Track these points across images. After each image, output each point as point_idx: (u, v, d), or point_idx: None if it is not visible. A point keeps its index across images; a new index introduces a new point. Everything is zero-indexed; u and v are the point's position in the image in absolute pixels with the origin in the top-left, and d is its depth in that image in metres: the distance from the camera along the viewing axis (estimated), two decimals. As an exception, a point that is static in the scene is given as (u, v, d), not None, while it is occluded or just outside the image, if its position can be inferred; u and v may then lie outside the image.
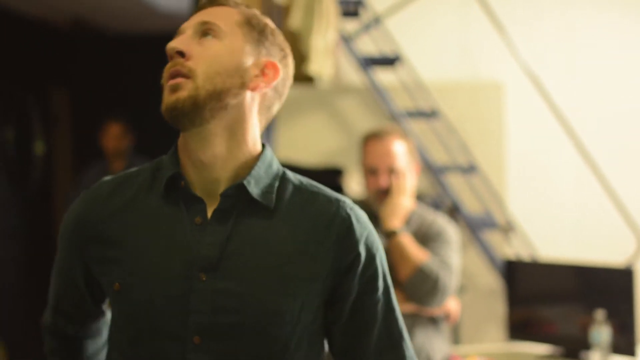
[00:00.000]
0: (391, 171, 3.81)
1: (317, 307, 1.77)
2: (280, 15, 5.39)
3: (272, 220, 1.76)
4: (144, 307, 1.73)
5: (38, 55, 8.13)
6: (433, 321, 3.81)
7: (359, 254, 1.77)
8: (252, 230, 1.74)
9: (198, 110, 1.72)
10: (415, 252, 3.71)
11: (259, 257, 1.72)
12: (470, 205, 5.56)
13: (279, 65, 1.84)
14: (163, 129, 6.90)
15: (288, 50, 1.90)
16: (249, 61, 1.79)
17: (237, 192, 1.75)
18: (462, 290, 5.04)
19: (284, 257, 1.73)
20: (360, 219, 1.81)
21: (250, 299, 1.70)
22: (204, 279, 1.70)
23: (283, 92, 1.89)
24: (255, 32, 1.83)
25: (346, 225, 1.78)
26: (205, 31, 1.77)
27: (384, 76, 5.50)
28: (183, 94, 1.71)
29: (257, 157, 1.81)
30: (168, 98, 1.73)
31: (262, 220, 1.75)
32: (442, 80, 5.68)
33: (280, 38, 1.89)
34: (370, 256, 1.80)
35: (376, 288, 1.81)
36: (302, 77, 5.60)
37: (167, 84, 1.74)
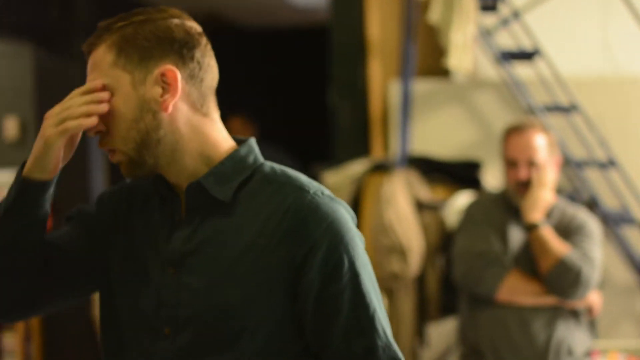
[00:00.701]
0: (531, 164, 3.83)
1: (275, 301, 1.76)
2: (419, 9, 5.43)
3: (232, 215, 1.79)
4: (130, 292, 1.85)
5: None
6: (574, 314, 3.82)
7: (315, 245, 1.74)
8: (213, 226, 1.79)
9: (143, 166, 1.79)
10: (557, 245, 3.72)
11: (215, 252, 1.78)
12: (607, 200, 5.50)
13: (175, 65, 1.81)
14: (300, 122, 6.70)
15: (177, 30, 1.83)
16: (143, 91, 1.79)
17: (197, 189, 1.80)
18: (602, 285, 5.02)
19: (236, 251, 1.76)
20: (321, 208, 1.76)
21: (201, 292, 1.76)
22: (171, 272, 1.80)
23: (204, 65, 1.85)
24: (135, 52, 1.79)
25: (300, 217, 1.76)
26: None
27: (522, 70, 5.49)
28: (124, 166, 1.80)
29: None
30: (122, 171, 1.82)
31: (223, 216, 1.79)
32: (582, 74, 5.63)
33: (160, 28, 1.81)
34: (332, 246, 1.75)
35: (340, 277, 1.75)
36: (438, 71, 5.64)
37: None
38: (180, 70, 1.81)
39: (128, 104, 1.78)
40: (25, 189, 1.80)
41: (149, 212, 1.88)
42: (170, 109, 1.79)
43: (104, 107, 1.77)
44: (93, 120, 1.77)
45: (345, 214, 1.79)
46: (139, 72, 1.79)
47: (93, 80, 1.80)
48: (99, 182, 6.60)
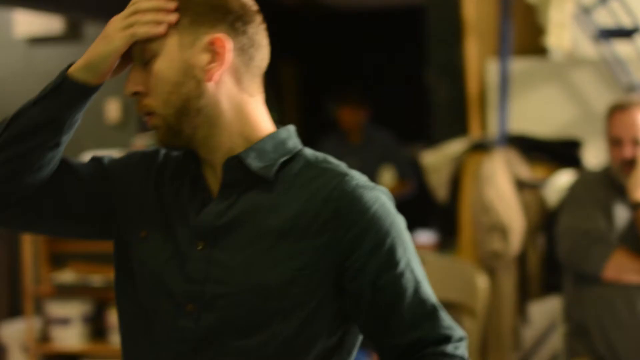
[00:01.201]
0: (636, 142, 3.81)
1: (315, 287, 1.69)
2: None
3: (273, 194, 1.71)
4: (155, 262, 1.74)
5: (270, 30, 8.61)
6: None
7: (365, 229, 1.68)
8: (251, 203, 1.71)
9: (180, 134, 1.72)
10: (663, 224, 3.70)
11: (252, 230, 1.69)
12: None
13: (227, 35, 1.73)
14: (396, 102, 6.72)
15: (233, 2, 1.75)
16: (189, 56, 1.71)
17: (236, 164, 1.72)
18: None
19: (275, 231, 1.68)
20: (366, 193, 1.70)
21: (235, 270, 1.68)
22: (199, 247, 1.71)
23: (255, 43, 1.78)
24: (186, 16, 1.71)
25: (347, 200, 1.69)
26: (144, 53, 1.71)
27: (621, 48, 5.43)
28: (161, 131, 1.73)
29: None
30: (155, 137, 1.75)
31: (261, 193, 1.71)
32: (683, 51, 5.55)
33: (216, 4, 1.72)
34: (384, 231, 1.69)
35: (395, 262, 1.70)
36: (536, 49, 5.61)
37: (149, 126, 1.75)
38: (231, 42, 1.73)
39: (172, 66, 1.70)
40: (65, 86, 1.72)
41: (179, 184, 1.80)
42: (215, 78, 1.71)
43: (173, 18, 1.69)
44: (162, 29, 1.69)
45: (388, 201, 1.74)
46: (187, 35, 1.71)
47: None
48: None
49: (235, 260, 1.69)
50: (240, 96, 1.75)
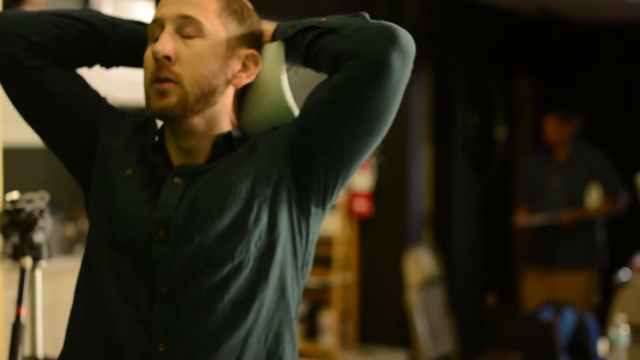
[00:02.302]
0: None
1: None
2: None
3: (238, 157, 1.86)
4: (137, 197, 1.85)
5: (506, 44, 8.25)
6: None
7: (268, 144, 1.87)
8: (226, 163, 1.85)
9: (187, 113, 1.81)
10: None
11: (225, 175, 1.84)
12: None
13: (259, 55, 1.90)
14: (615, 118, 8.73)
15: (261, 27, 1.93)
16: (231, 57, 1.85)
17: (225, 141, 1.88)
18: None
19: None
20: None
21: (204, 200, 1.81)
22: (177, 181, 1.84)
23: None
24: (235, 20, 1.87)
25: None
26: (186, 30, 1.82)
27: None
28: (172, 99, 1.79)
29: None
30: (157, 102, 1.81)
31: (232, 158, 1.86)
32: None
33: (256, 17, 1.92)
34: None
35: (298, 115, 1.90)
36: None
37: (154, 86, 1.80)
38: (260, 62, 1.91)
39: (215, 57, 1.83)
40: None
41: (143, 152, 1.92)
42: (239, 85, 1.88)
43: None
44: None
45: None
46: (234, 39, 1.85)
47: (185, 7, 1.83)
48: (418, 175, 6.57)
49: (208, 194, 1.81)
50: (233, 102, 1.91)
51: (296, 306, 1.91)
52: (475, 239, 7.73)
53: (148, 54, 1.84)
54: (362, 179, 6.61)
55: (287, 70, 1.95)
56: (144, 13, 6.45)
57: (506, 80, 8.56)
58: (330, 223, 6.58)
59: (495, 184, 7.82)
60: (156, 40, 1.82)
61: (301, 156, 1.84)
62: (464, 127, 7.62)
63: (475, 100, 7.81)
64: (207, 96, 1.82)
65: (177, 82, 1.79)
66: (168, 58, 1.79)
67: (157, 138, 1.92)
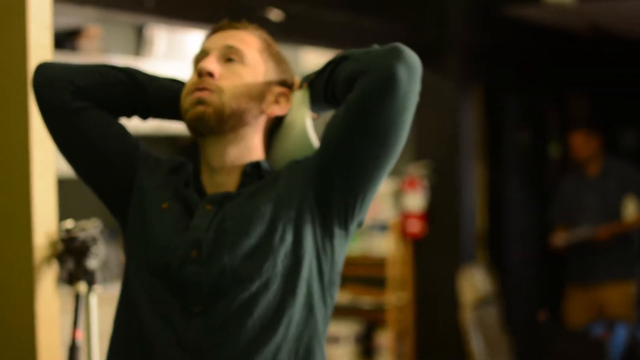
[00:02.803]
0: None
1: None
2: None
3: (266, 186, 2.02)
4: (172, 228, 1.99)
5: (557, 61, 8.28)
6: None
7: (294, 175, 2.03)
8: (253, 190, 2.01)
9: (220, 124, 1.98)
10: None
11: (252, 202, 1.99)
12: None
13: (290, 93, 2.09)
14: None
15: (292, 76, 2.13)
16: (267, 89, 2.04)
17: (252, 168, 2.04)
18: None
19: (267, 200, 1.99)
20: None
21: (233, 226, 1.96)
22: (208, 208, 1.99)
23: None
24: (273, 60, 2.08)
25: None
26: (230, 56, 2.01)
27: None
28: (209, 109, 1.96)
29: None
30: (194, 109, 1.97)
31: (260, 185, 2.02)
32: None
33: (289, 67, 2.13)
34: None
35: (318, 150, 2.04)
36: None
37: (193, 95, 1.98)
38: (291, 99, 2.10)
39: (252, 81, 2.02)
40: None
41: (185, 180, 2.09)
42: (271, 115, 2.07)
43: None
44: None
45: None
46: (270, 75, 2.06)
47: (229, 40, 2.04)
48: (470, 194, 6.68)
49: (235, 216, 1.96)
50: (264, 136, 2.09)
51: (324, 324, 2.02)
52: (530, 257, 7.72)
53: (190, 78, 2.04)
54: (414, 199, 6.66)
55: (314, 118, 2.11)
56: (196, 45, 6.59)
57: (559, 97, 8.59)
58: (384, 244, 6.65)
59: (549, 201, 7.81)
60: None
61: (322, 179, 1.98)
62: (517, 145, 7.65)
63: (527, 118, 7.86)
64: (242, 113, 2.00)
65: (215, 92, 1.97)
66: (211, 75, 1.98)
67: (192, 171, 2.09)
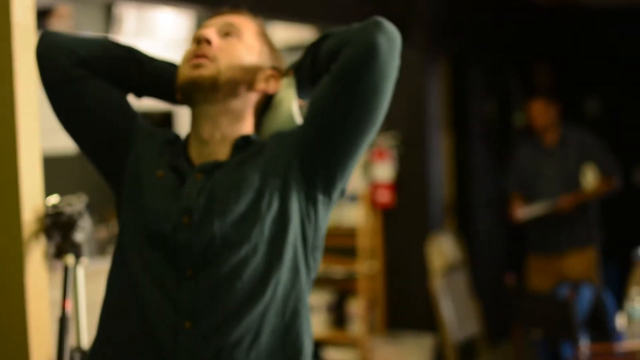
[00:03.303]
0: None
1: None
2: None
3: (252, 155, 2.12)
4: (165, 195, 2.10)
5: (522, 31, 8.48)
6: None
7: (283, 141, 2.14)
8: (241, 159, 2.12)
9: (213, 91, 2.08)
10: None
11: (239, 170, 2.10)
12: None
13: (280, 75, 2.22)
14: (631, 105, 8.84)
15: (282, 65, 2.25)
16: (259, 68, 2.17)
17: (242, 141, 2.14)
18: None
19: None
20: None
21: (222, 189, 2.07)
22: (198, 177, 2.10)
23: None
24: (267, 44, 2.22)
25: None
26: (228, 31, 2.14)
27: None
28: (205, 72, 2.07)
29: None
30: (190, 72, 2.08)
31: (248, 155, 2.12)
32: None
33: (280, 55, 2.26)
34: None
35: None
36: None
37: (191, 61, 2.09)
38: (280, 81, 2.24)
39: (249, 57, 2.15)
40: None
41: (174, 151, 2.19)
42: (260, 92, 2.18)
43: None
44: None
45: None
46: (264, 57, 2.20)
47: (227, 18, 2.17)
48: (437, 164, 6.81)
49: (225, 184, 2.06)
50: (254, 112, 2.21)
51: (308, 286, 2.14)
52: (497, 224, 7.84)
53: (190, 46, 2.15)
54: (383, 170, 6.78)
55: (300, 105, 2.25)
56: (165, 24, 6.66)
57: (524, 67, 8.68)
58: (354, 214, 6.78)
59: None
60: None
61: (306, 148, 2.09)
62: (482, 115, 7.76)
63: (492, 88, 7.95)
64: (235, 83, 2.11)
65: (213, 60, 2.09)
66: (209, 42, 2.11)
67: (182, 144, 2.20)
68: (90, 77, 2.16)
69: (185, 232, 2.02)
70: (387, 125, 6.84)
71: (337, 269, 6.84)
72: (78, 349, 2.99)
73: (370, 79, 2.02)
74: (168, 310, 1.99)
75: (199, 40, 2.11)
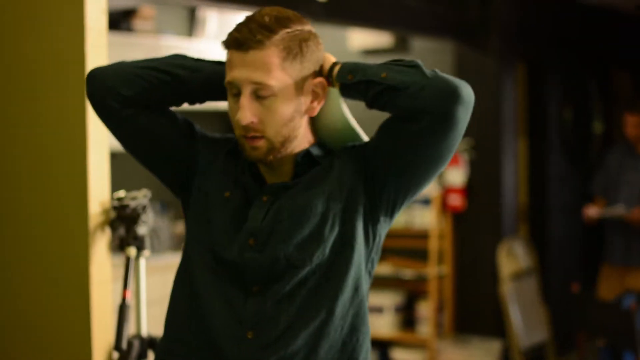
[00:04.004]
0: None
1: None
2: None
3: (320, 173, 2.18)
4: (231, 214, 2.18)
5: (601, 39, 8.36)
6: None
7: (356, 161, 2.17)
8: (309, 179, 2.17)
9: (274, 153, 2.13)
10: None
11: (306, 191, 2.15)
12: None
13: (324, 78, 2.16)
14: None
15: (322, 54, 2.17)
16: (301, 95, 2.11)
17: (304, 155, 2.18)
18: None
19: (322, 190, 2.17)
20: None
21: (288, 213, 2.13)
22: (264, 199, 2.16)
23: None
24: (297, 61, 2.09)
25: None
26: (260, 93, 2.06)
27: None
28: (262, 151, 2.11)
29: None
30: (251, 153, 2.12)
31: (315, 174, 2.17)
32: None
33: (315, 44, 2.14)
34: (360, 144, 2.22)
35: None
36: None
37: (247, 142, 2.10)
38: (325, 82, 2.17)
39: (289, 107, 2.09)
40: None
41: (244, 169, 2.24)
42: (314, 112, 2.17)
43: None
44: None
45: None
46: (300, 80, 2.10)
47: (254, 74, 2.06)
48: (511, 169, 6.91)
49: (290, 208, 2.12)
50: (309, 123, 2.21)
51: (366, 300, 2.21)
52: (572, 231, 7.84)
53: (234, 111, 2.11)
54: (455, 174, 6.85)
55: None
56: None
57: (603, 74, 8.61)
58: (426, 217, 6.86)
59: (591, 177, 7.92)
60: (236, 94, 2.09)
61: (374, 178, 2.15)
62: (560, 121, 7.75)
63: (570, 94, 7.93)
64: (289, 137, 2.12)
65: (262, 137, 2.09)
66: (252, 124, 2.08)
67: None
68: (140, 113, 2.22)
69: (250, 253, 2.11)
70: (461, 131, 6.88)
71: (407, 271, 6.91)
72: (138, 336, 3.14)
73: (447, 143, 2.06)
74: (232, 321, 2.10)
75: (241, 126, 2.09)
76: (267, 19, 2.05)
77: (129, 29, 6.23)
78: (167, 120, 2.26)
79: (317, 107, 2.15)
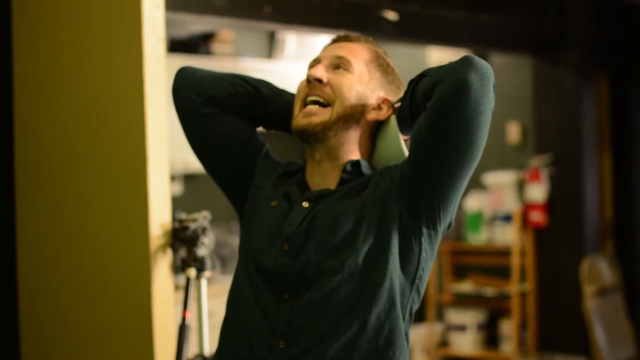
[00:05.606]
0: None
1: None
2: None
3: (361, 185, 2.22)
4: (276, 222, 2.23)
5: None
6: None
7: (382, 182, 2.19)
8: (349, 189, 2.22)
9: (325, 132, 2.21)
10: None
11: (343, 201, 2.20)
12: None
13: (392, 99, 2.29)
14: None
15: (399, 87, 2.34)
16: (370, 95, 2.25)
17: (353, 168, 2.25)
18: None
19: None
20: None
21: (323, 218, 2.17)
22: (305, 205, 2.22)
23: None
24: (379, 71, 2.29)
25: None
26: (338, 64, 2.24)
27: None
28: (316, 119, 2.20)
29: None
30: (301, 120, 2.22)
31: (356, 185, 2.23)
32: None
33: (397, 78, 2.35)
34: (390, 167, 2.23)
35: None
36: None
37: (303, 110, 2.23)
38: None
39: (359, 88, 2.23)
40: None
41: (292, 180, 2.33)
42: (371, 120, 2.28)
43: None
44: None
45: None
46: (374, 83, 2.27)
47: (340, 51, 2.27)
48: (593, 184, 6.90)
49: (326, 215, 2.16)
50: (367, 140, 2.31)
51: (409, 316, 2.19)
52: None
53: (301, 81, 2.28)
54: (536, 190, 6.79)
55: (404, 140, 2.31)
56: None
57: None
58: (507, 234, 6.83)
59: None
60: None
61: (407, 182, 2.14)
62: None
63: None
64: (346, 118, 2.20)
65: (327, 104, 2.22)
66: (319, 81, 2.22)
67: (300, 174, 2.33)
68: (219, 114, 2.35)
69: (284, 259, 2.15)
70: (541, 146, 6.87)
71: (489, 289, 6.88)
72: (200, 356, 3.18)
73: (463, 115, 2.02)
74: (266, 330, 2.13)
75: (309, 80, 2.24)
76: (363, 38, 2.33)
77: (208, 52, 6.31)
78: (242, 127, 2.38)
79: (375, 117, 2.26)
